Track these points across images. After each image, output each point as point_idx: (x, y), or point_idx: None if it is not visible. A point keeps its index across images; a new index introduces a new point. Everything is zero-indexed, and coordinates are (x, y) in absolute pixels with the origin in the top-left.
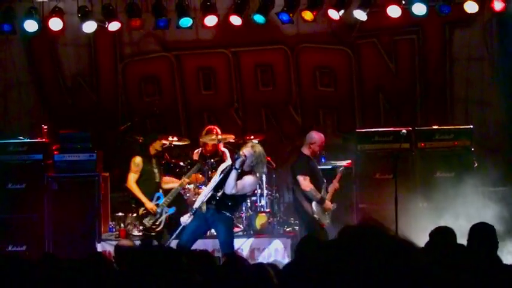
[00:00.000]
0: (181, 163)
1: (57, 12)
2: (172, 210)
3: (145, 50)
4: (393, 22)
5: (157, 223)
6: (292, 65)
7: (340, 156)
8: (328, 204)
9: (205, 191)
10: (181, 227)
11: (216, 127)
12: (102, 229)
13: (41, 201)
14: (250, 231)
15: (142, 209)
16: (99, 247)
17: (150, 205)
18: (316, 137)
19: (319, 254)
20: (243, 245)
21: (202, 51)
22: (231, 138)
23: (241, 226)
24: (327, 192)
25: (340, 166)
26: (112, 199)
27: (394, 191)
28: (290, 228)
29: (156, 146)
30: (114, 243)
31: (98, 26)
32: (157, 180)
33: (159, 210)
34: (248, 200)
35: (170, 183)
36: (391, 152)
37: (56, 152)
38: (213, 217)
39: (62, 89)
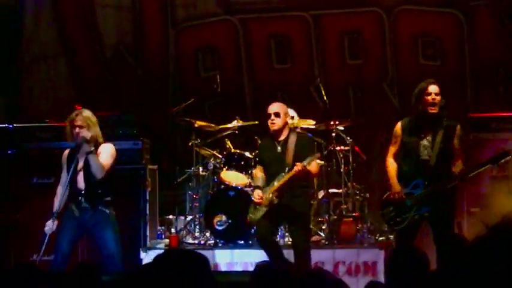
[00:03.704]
0: (247, 154)
1: None
2: (426, 209)
3: (203, 13)
4: None
5: (399, 219)
6: (388, 32)
7: None
8: (254, 193)
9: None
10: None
11: (291, 110)
12: (149, 235)
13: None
14: (333, 240)
15: (388, 193)
16: (145, 257)
17: (396, 189)
18: None
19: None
20: (324, 258)
21: (275, 15)
22: (310, 123)
23: (322, 234)
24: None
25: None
26: (161, 198)
27: None
28: (383, 238)
29: (426, 100)
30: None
31: None
32: (424, 157)
33: (408, 203)
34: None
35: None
36: None
37: None
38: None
39: (99, 61)
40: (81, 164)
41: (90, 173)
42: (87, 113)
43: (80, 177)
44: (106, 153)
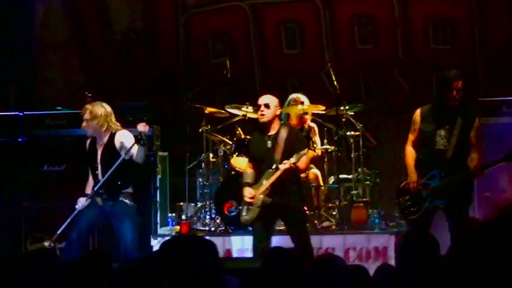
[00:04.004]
0: None
1: None
2: (440, 202)
3: None
4: None
5: (413, 208)
6: (399, 16)
7: None
8: (244, 191)
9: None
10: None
11: (302, 96)
12: (160, 222)
13: (84, 187)
14: (344, 226)
15: (405, 182)
16: (156, 244)
17: (413, 179)
18: None
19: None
20: (335, 243)
21: (285, 0)
22: (321, 109)
23: (332, 220)
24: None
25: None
26: (172, 185)
27: None
28: (394, 223)
29: (448, 94)
30: None
31: None
32: (439, 147)
33: (424, 193)
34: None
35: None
36: None
37: None
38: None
39: (110, 48)
40: (99, 156)
41: (109, 165)
42: (93, 106)
43: (99, 169)
44: (129, 142)
